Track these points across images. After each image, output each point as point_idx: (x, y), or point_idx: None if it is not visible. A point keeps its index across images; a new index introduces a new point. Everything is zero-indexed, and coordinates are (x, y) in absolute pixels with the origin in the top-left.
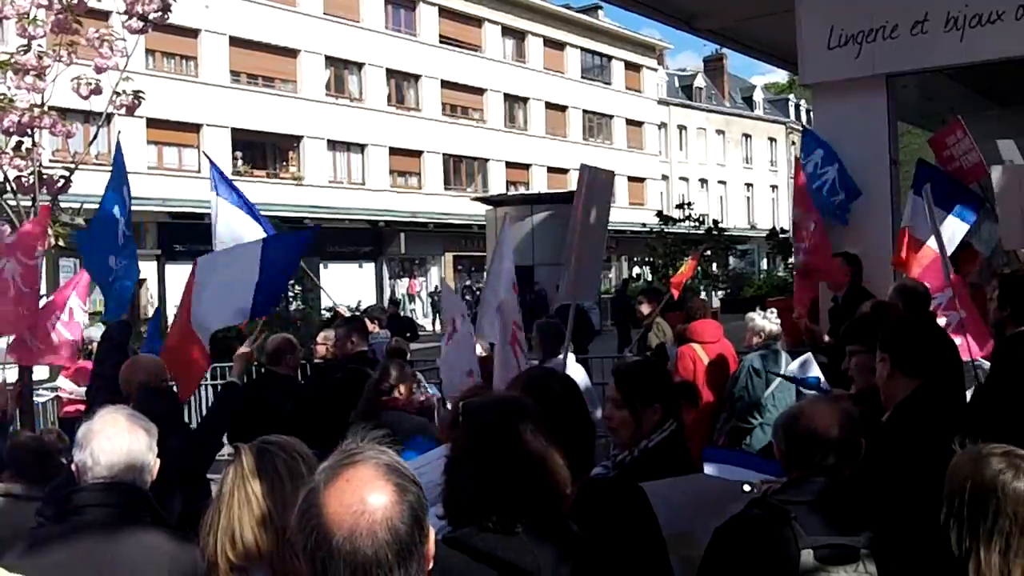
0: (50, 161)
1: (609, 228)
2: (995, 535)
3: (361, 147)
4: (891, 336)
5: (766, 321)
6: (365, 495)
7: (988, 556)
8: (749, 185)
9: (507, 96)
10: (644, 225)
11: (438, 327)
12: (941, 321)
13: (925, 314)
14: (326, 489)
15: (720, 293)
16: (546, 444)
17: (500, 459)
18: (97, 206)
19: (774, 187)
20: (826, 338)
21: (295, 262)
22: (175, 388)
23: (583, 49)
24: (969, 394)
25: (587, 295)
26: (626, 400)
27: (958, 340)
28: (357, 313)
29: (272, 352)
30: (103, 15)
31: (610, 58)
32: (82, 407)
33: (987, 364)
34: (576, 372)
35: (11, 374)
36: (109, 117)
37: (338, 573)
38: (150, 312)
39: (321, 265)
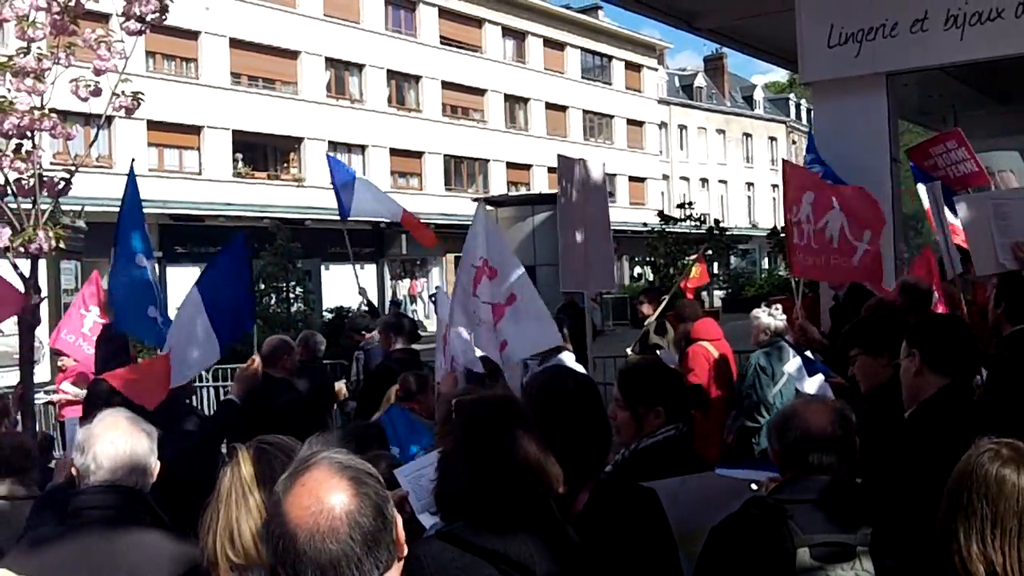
0: (51, 164)
1: (610, 228)
2: (971, 519)
3: (362, 148)
4: (922, 332)
5: (771, 318)
6: (322, 495)
7: (967, 543)
8: (750, 184)
9: (507, 96)
10: (645, 225)
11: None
12: None
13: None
14: (286, 498)
15: (721, 293)
16: (536, 442)
17: (490, 455)
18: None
19: (775, 186)
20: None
21: (242, 273)
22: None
23: (583, 49)
24: None
25: (605, 283)
26: (628, 401)
27: None
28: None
29: (268, 354)
30: (102, 17)
31: (610, 58)
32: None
33: None
34: None
35: (12, 377)
36: (109, 119)
37: (307, 575)
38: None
39: (323, 266)
